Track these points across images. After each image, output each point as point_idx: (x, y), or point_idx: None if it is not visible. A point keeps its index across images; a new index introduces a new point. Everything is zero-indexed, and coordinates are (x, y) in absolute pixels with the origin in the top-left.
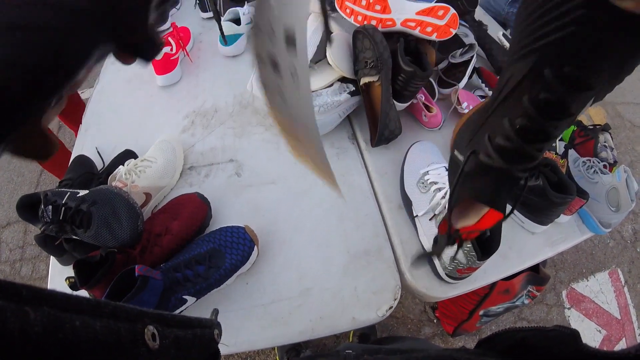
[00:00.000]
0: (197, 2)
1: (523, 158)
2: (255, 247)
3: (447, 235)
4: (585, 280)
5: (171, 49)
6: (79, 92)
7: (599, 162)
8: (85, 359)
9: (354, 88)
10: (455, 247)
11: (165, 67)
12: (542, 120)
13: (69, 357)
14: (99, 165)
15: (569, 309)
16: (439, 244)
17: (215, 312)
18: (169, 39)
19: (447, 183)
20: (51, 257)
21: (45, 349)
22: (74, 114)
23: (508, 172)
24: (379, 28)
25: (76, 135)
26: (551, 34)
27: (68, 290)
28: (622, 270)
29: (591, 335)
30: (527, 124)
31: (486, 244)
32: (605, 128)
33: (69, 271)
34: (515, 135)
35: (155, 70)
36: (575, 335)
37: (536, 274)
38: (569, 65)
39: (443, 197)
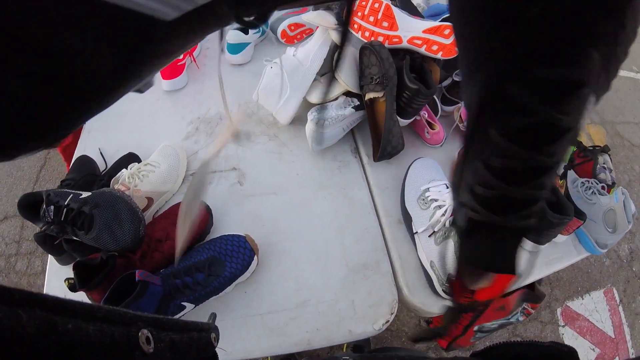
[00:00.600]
0: None
1: (517, 204)
2: (255, 256)
3: (458, 307)
4: (580, 299)
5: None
6: None
7: (597, 184)
8: None
9: (358, 103)
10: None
11: (172, 72)
12: (526, 152)
13: (63, 358)
14: (102, 166)
15: (563, 326)
16: (447, 317)
17: (213, 316)
18: None
19: (447, 201)
20: (49, 255)
21: (40, 350)
22: None
23: (505, 225)
24: (386, 45)
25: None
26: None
27: (66, 290)
28: (617, 289)
29: (585, 354)
30: (505, 162)
31: None
32: (605, 149)
33: (67, 271)
34: (494, 179)
35: (161, 75)
36: (572, 353)
37: (531, 292)
38: (540, 66)
39: (443, 215)
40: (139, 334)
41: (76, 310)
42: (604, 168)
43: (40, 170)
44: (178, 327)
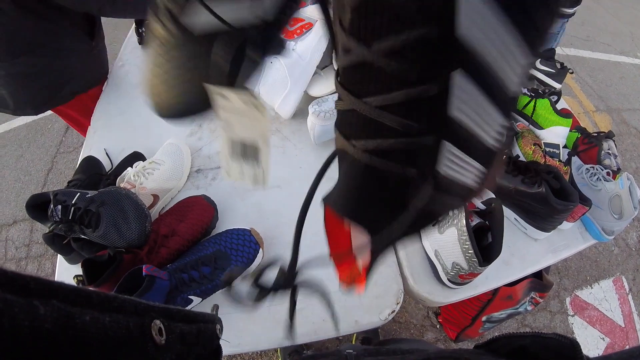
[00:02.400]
0: None
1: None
2: (261, 249)
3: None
4: (589, 288)
5: None
6: None
7: (602, 170)
8: (95, 355)
9: None
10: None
11: None
12: None
13: (79, 354)
14: (107, 166)
15: (572, 316)
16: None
17: (216, 307)
18: None
19: None
20: (58, 255)
21: (56, 346)
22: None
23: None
24: None
25: (83, 135)
26: None
27: None
28: (626, 278)
29: (594, 343)
30: None
31: (487, 250)
32: (609, 135)
33: (76, 270)
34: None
35: None
36: (574, 345)
37: (539, 281)
38: None
39: None
40: (152, 324)
41: (92, 301)
42: (609, 154)
43: (47, 173)
44: (187, 318)
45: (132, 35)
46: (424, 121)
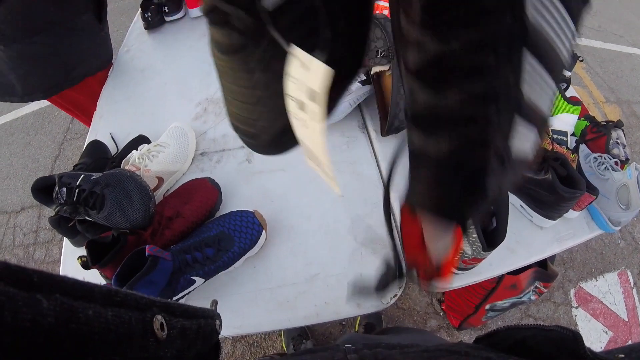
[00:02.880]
0: None
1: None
2: (264, 231)
3: (397, 268)
4: (594, 280)
5: None
6: None
7: (610, 159)
8: (97, 350)
9: (365, 77)
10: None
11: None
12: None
13: (81, 349)
14: (113, 150)
15: (576, 308)
16: (383, 277)
17: (215, 302)
18: None
19: None
20: (64, 238)
21: (58, 342)
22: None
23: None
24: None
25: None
26: None
27: (80, 270)
28: (631, 272)
29: (597, 336)
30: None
31: (491, 235)
32: (618, 125)
33: (82, 252)
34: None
35: (188, 5)
36: (576, 337)
37: (544, 270)
38: None
39: None
40: (154, 319)
41: (95, 295)
42: (617, 143)
43: (55, 160)
44: (187, 313)
45: (137, 20)
46: (502, 103)
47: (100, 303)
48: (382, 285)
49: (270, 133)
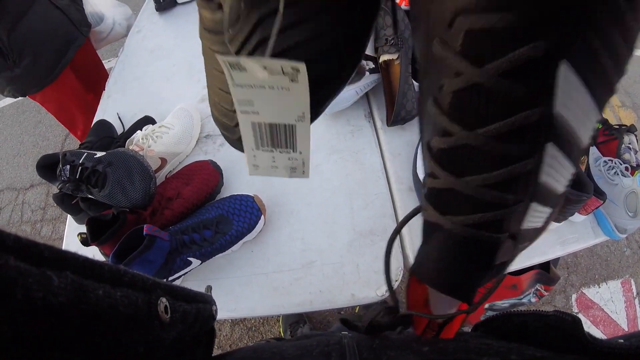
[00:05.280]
0: None
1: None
2: (263, 216)
3: (393, 314)
4: (597, 287)
5: None
6: (104, 62)
7: (621, 164)
8: (106, 331)
9: (373, 65)
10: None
11: None
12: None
13: (91, 329)
14: (119, 130)
15: (577, 313)
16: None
17: (209, 288)
18: None
19: None
20: (68, 215)
21: (68, 321)
22: (97, 82)
23: (466, 232)
24: (402, 5)
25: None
26: None
27: (81, 247)
28: (635, 281)
29: None
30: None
31: None
32: (631, 129)
33: (84, 229)
34: (435, 164)
35: None
36: (575, 322)
37: (546, 273)
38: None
39: None
40: (158, 302)
41: (104, 274)
42: (629, 148)
43: (65, 139)
44: (188, 297)
45: (149, 1)
46: (520, 192)
47: (110, 282)
48: (373, 329)
49: None
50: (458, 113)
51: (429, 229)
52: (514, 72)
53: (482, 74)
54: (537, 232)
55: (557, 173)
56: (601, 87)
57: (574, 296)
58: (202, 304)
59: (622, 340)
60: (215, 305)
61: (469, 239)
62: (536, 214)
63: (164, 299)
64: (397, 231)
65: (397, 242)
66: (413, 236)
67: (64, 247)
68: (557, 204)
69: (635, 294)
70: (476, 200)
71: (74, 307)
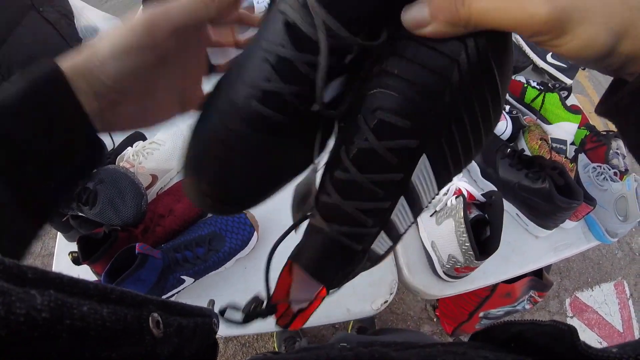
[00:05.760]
0: None
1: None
2: (255, 232)
3: (267, 305)
4: (590, 290)
5: None
6: None
7: (609, 169)
8: (92, 346)
9: None
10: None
11: None
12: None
13: (76, 344)
14: (110, 146)
15: (571, 317)
16: (251, 312)
17: (212, 302)
18: None
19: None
20: (58, 233)
21: (52, 336)
22: None
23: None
24: None
25: None
26: None
27: (72, 265)
28: (628, 283)
29: None
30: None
31: (485, 244)
32: (619, 135)
33: (75, 247)
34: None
35: None
36: (571, 331)
37: (539, 280)
38: None
39: (445, 194)
40: (150, 317)
41: (90, 291)
42: (617, 154)
43: None
44: (184, 311)
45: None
46: (377, 220)
47: (96, 300)
48: (249, 318)
49: None
50: (357, 161)
51: (312, 230)
52: (397, 149)
53: (378, 145)
54: (378, 258)
55: (402, 217)
56: (442, 177)
57: (567, 300)
58: (201, 317)
59: (615, 350)
60: (217, 319)
61: (338, 242)
62: (382, 241)
63: (155, 314)
64: (276, 245)
65: (391, 256)
66: (406, 250)
67: (54, 265)
68: (397, 242)
69: (628, 295)
70: (350, 217)
71: (58, 322)
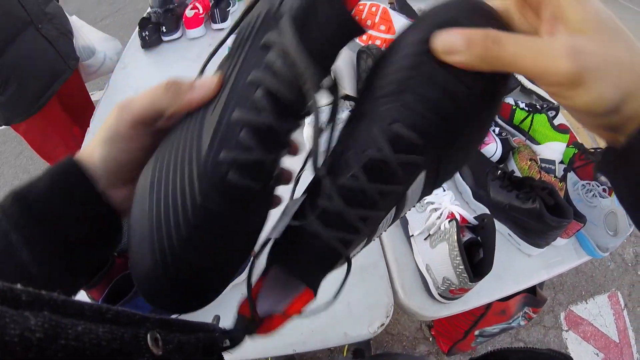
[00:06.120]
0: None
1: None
2: (252, 257)
3: (251, 320)
4: (584, 303)
5: (199, 11)
6: (90, 94)
7: (598, 186)
8: None
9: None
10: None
11: (194, 23)
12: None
13: None
14: None
15: (566, 331)
16: (237, 334)
17: (217, 318)
18: (197, 4)
19: (443, 204)
20: None
21: (48, 356)
22: (83, 114)
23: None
24: (383, 48)
25: (79, 138)
26: None
27: None
28: (622, 294)
29: (589, 359)
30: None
31: (478, 266)
32: None
33: None
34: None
35: (185, 25)
36: (566, 359)
37: (533, 296)
38: None
39: (438, 218)
40: (148, 335)
41: (85, 312)
42: None
43: None
44: (186, 328)
45: (135, 37)
46: (368, 226)
47: (91, 320)
48: (236, 339)
49: None
50: (367, 170)
51: (304, 234)
52: (406, 163)
53: (392, 157)
54: (349, 261)
55: (385, 225)
56: (427, 191)
57: (562, 314)
58: (203, 332)
59: None
60: (221, 334)
61: (332, 248)
62: (360, 246)
63: (153, 332)
64: (254, 258)
65: (386, 278)
66: (401, 273)
67: None
68: (367, 244)
69: (623, 305)
70: (350, 224)
71: (53, 342)
